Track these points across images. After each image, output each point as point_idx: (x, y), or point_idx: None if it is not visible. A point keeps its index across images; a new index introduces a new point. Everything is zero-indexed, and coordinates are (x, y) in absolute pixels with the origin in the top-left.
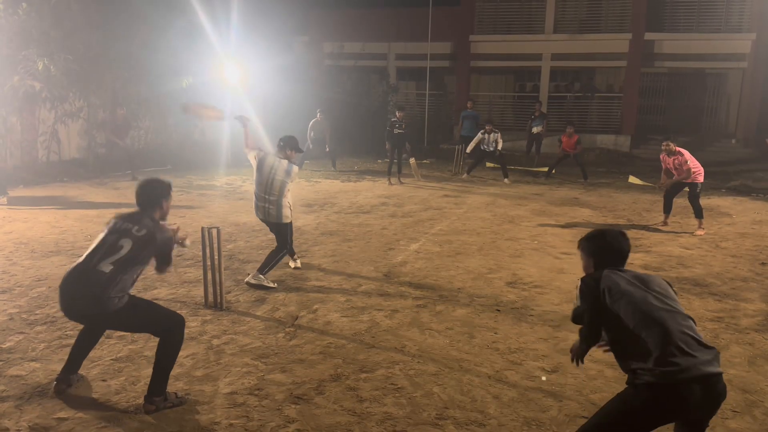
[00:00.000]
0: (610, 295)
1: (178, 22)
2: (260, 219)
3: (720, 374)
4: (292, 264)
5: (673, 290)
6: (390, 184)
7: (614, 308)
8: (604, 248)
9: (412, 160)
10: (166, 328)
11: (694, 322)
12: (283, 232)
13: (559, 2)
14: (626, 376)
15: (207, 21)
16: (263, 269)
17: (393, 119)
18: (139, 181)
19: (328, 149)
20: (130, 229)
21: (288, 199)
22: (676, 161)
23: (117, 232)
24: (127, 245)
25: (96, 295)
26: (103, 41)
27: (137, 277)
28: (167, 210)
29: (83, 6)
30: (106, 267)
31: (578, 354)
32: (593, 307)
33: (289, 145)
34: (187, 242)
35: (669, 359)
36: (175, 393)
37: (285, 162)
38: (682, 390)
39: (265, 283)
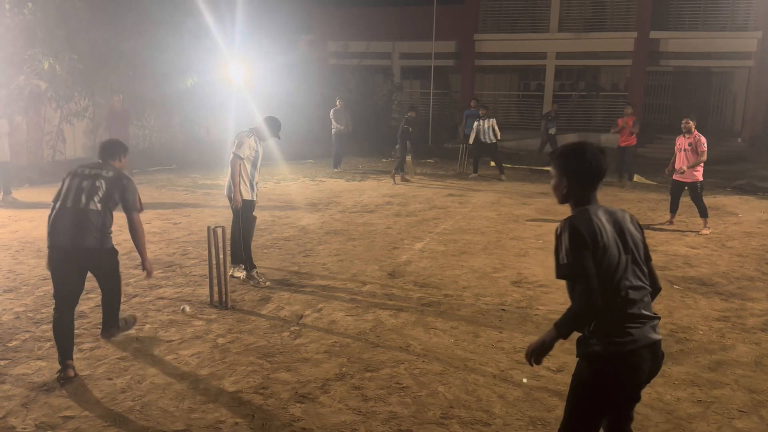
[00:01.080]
0: (603, 250)
1: (183, 21)
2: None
3: (661, 341)
4: (237, 273)
5: (644, 241)
6: (395, 183)
7: (600, 265)
8: (583, 167)
9: (408, 157)
10: (119, 286)
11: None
12: (234, 211)
13: (564, 1)
14: None
15: (212, 20)
16: (246, 266)
17: (407, 116)
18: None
19: (349, 129)
20: (99, 172)
21: (238, 177)
22: (690, 140)
23: (90, 177)
24: (102, 185)
25: (98, 230)
26: (108, 40)
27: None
28: (125, 164)
29: (88, 5)
30: (96, 206)
31: (539, 349)
32: (589, 261)
33: (265, 123)
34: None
35: (625, 331)
36: (125, 319)
37: (242, 134)
38: (634, 358)
39: (254, 283)
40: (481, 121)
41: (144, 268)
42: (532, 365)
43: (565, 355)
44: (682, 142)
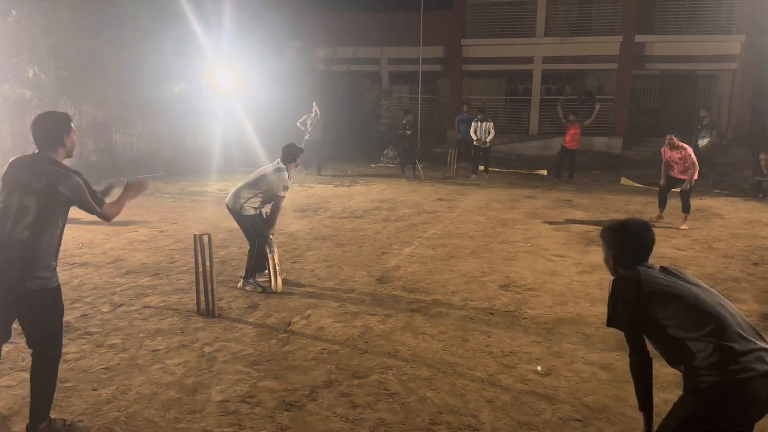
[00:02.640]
0: (655, 298)
1: (171, 27)
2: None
3: None
4: (259, 278)
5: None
6: (408, 180)
7: (661, 310)
8: (625, 241)
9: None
10: (59, 336)
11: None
12: (244, 229)
13: (550, 5)
14: (627, 378)
15: (199, 26)
16: (253, 273)
17: (403, 122)
18: (36, 117)
19: (306, 137)
20: (29, 182)
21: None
22: (679, 155)
23: (18, 188)
24: (32, 204)
25: (19, 269)
26: (94, 48)
27: (58, 242)
28: (72, 146)
29: (74, 13)
30: (22, 233)
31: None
32: (632, 312)
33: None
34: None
35: (732, 356)
36: (63, 420)
37: (283, 174)
38: (747, 388)
39: (252, 288)
40: (479, 124)
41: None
42: None
43: (553, 359)
44: (670, 154)
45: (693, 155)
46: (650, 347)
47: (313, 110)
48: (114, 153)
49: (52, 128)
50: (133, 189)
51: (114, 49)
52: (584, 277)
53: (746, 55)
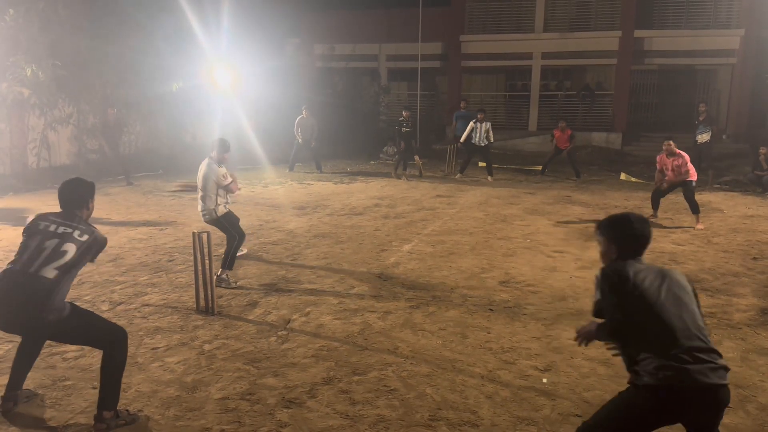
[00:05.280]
0: (636, 290)
1: (169, 25)
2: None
3: (725, 385)
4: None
5: (693, 287)
6: (406, 180)
7: (634, 304)
8: (629, 234)
9: (416, 157)
10: (109, 341)
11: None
12: (222, 227)
13: (548, 1)
14: (625, 374)
15: (198, 23)
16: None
17: (400, 119)
18: (63, 181)
19: (313, 144)
20: (71, 233)
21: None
22: (675, 162)
23: (56, 236)
24: (71, 251)
25: (39, 304)
26: (91, 46)
27: (68, 289)
28: (92, 210)
29: (71, 11)
30: (50, 273)
31: (587, 336)
32: (618, 302)
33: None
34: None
35: (672, 364)
36: (127, 410)
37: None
38: (682, 396)
39: (222, 285)
40: (478, 125)
41: None
42: (581, 344)
43: (552, 354)
44: (666, 162)
45: (689, 163)
46: None
47: (303, 113)
48: (116, 153)
49: (81, 192)
50: None
51: (111, 46)
52: (584, 273)
53: (745, 50)
